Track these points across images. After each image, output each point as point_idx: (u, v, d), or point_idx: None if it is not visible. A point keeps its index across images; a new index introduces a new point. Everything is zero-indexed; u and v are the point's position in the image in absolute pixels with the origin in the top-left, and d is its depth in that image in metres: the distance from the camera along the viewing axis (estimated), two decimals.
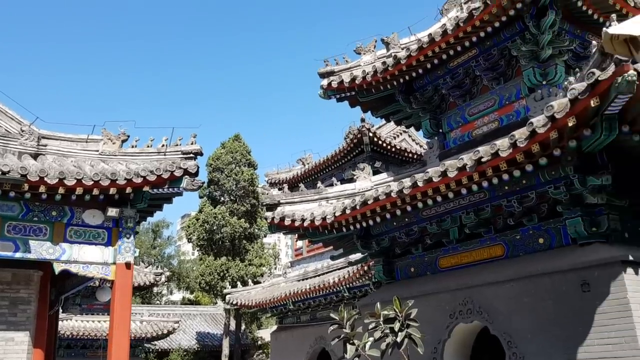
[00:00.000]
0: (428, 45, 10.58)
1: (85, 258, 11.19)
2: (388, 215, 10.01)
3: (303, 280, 25.15)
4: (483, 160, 7.86)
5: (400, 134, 28.19)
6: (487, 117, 10.95)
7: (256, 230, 35.30)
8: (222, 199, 34.25)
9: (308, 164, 28.45)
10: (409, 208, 9.56)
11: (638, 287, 7.46)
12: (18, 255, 10.63)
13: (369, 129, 24.19)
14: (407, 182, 9.01)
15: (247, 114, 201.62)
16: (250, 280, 28.93)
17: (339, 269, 23.03)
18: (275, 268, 40.63)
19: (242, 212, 34.03)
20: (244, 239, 34.37)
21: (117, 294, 11.27)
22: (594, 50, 7.10)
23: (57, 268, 10.99)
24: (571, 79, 7.92)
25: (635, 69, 6.33)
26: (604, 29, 5.81)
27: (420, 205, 9.39)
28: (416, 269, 10.96)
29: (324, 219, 10.66)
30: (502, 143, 7.65)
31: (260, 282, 27.98)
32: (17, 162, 10.66)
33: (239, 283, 28.46)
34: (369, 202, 9.70)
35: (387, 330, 6.34)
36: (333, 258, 13.50)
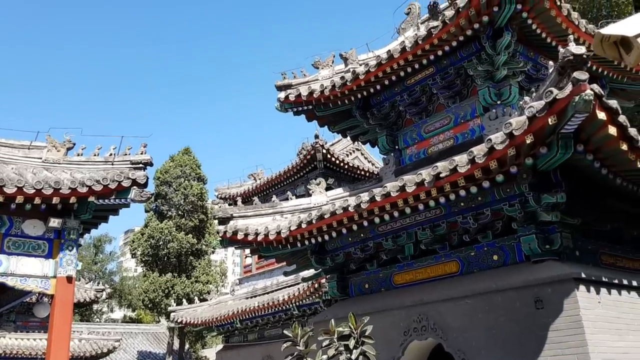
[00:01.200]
0: (387, 62, 10.63)
1: (24, 271, 10.56)
2: (344, 230, 9.89)
3: (252, 297, 24.69)
4: (441, 175, 7.87)
5: (353, 151, 28.37)
6: (443, 134, 11.06)
7: (204, 247, 34.56)
8: (170, 213, 33.37)
9: (260, 179, 28.17)
10: (365, 223, 9.47)
11: (590, 304, 7.59)
12: None
13: (322, 146, 24.19)
14: (364, 196, 8.92)
15: (198, 128, 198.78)
16: (196, 298, 28.16)
17: (288, 287, 22.75)
18: (223, 285, 39.83)
19: (189, 227, 33.24)
20: (191, 255, 33.55)
21: (57, 310, 10.65)
22: (550, 70, 7.27)
23: None
24: (526, 98, 8.08)
25: (592, 89, 6.49)
26: (596, 30, 5.91)
27: (377, 220, 9.32)
28: (371, 285, 10.85)
29: (278, 233, 10.43)
30: (461, 159, 7.69)
31: (206, 300, 27.28)
32: None
33: (184, 300, 27.62)
34: (326, 217, 9.56)
35: (342, 348, 6.21)
36: (286, 274, 13.25)
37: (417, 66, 10.79)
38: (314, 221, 9.79)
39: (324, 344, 6.34)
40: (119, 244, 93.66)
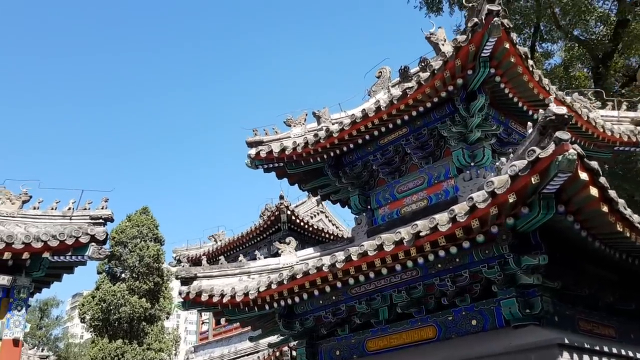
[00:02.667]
0: (361, 120, 10.59)
1: None
2: (316, 292, 9.45)
3: None
4: (421, 234, 7.64)
5: (318, 213, 28.15)
6: (416, 195, 10.95)
7: (158, 312, 33.06)
8: (123, 275, 32.01)
9: (221, 240, 27.48)
10: (339, 284, 9.08)
11: None
12: None
13: (287, 207, 23.91)
14: (340, 255, 8.58)
15: (156, 186, 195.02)
16: None
17: (247, 355, 21.74)
18: (176, 354, 37.92)
19: (144, 290, 31.89)
20: (144, 321, 31.98)
21: None
22: (530, 130, 7.28)
23: None
24: (502, 159, 8.07)
25: (574, 149, 6.47)
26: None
27: (351, 281, 8.95)
28: (342, 352, 10.30)
29: (246, 294, 9.90)
30: (441, 217, 7.50)
31: None
32: None
33: None
34: (298, 277, 9.13)
35: None
36: (252, 339, 12.54)
37: (391, 126, 10.78)
38: (285, 281, 9.34)
39: None
40: (66, 308, 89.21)
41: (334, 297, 9.97)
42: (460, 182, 10.16)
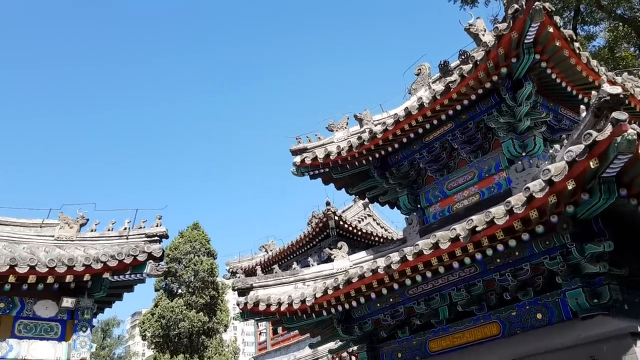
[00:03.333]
0: (404, 119, 10.46)
1: (36, 355, 10.02)
2: (373, 295, 9.35)
3: None
4: (478, 229, 7.46)
5: (365, 217, 28.02)
6: (467, 190, 10.72)
7: (215, 325, 33.50)
8: (180, 291, 32.60)
9: (271, 250, 27.68)
10: (396, 286, 8.95)
11: None
12: None
13: (334, 213, 23.88)
14: (395, 256, 8.47)
15: (205, 202, 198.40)
16: None
17: None
18: None
19: (200, 304, 32.39)
20: (203, 334, 32.46)
21: None
22: (583, 113, 7.01)
23: None
24: (556, 146, 7.82)
25: (633, 128, 6.19)
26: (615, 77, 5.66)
27: (408, 282, 8.80)
28: (404, 354, 10.15)
29: (303, 301, 9.89)
30: (497, 210, 7.30)
31: None
32: None
33: None
34: (354, 280, 9.06)
35: None
36: (312, 346, 12.53)
37: (435, 122, 10.61)
38: (341, 286, 9.28)
39: None
40: (126, 327, 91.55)
41: (391, 300, 9.84)
42: (513, 173, 9.89)
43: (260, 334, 27.14)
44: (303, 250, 25.75)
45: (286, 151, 12.33)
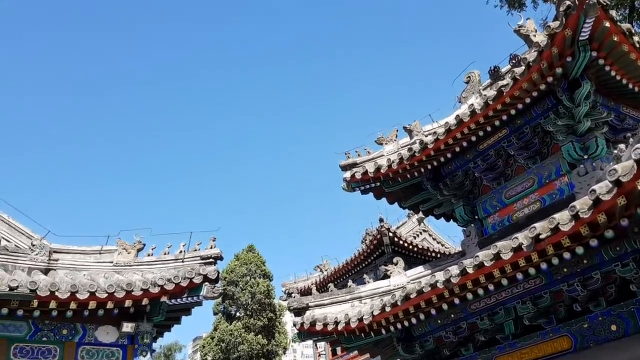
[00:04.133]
0: (456, 127, 10.15)
1: None
2: (433, 311, 9.00)
3: None
4: (541, 237, 7.06)
5: (420, 233, 27.48)
6: (527, 198, 10.26)
7: (274, 347, 33.44)
8: (238, 314, 32.77)
9: (326, 270, 27.48)
10: (456, 301, 8.58)
11: None
12: None
13: (388, 229, 23.51)
14: (454, 270, 8.13)
15: (257, 224, 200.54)
16: None
17: None
18: None
19: (259, 327, 32.43)
20: (262, 357, 32.42)
21: None
22: None
23: None
24: (621, 146, 7.36)
25: None
26: None
27: (469, 296, 8.43)
28: None
29: (360, 319, 9.64)
30: (562, 216, 6.89)
31: None
32: (26, 277, 9.89)
33: None
34: (412, 296, 8.76)
35: None
36: None
37: (489, 129, 10.25)
38: (399, 303, 8.99)
39: None
40: (188, 352, 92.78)
41: (452, 315, 9.46)
42: (575, 177, 9.40)
43: (319, 355, 26.88)
44: (358, 268, 25.42)
45: (336, 168, 12.21)
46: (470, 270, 7.84)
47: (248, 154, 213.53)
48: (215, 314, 33.50)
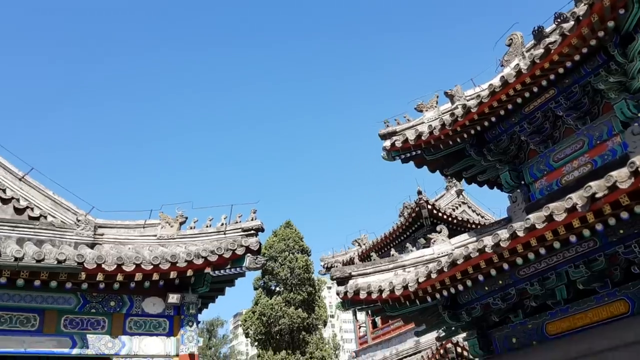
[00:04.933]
0: (501, 89, 9.79)
1: (147, 351, 10.28)
2: (480, 277, 8.78)
3: None
4: (597, 196, 6.74)
5: (459, 205, 27.08)
6: (577, 160, 9.87)
7: (314, 321, 33.70)
8: (277, 289, 33.10)
9: (364, 244, 27.38)
10: (505, 266, 8.33)
11: None
12: (75, 351, 9.80)
13: (427, 201, 23.21)
14: (503, 234, 7.88)
15: (294, 199, 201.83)
16: None
17: (409, 356, 21.27)
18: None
19: (298, 301, 32.70)
20: (303, 331, 32.74)
21: None
22: None
23: None
24: None
25: None
26: None
27: (519, 261, 8.16)
28: (519, 339, 9.51)
29: (405, 287, 9.50)
30: (619, 174, 6.56)
31: None
32: (73, 251, 10.07)
33: None
34: (459, 262, 8.55)
35: None
36: (418, 334, 12.06)
37: (535, 89, 9.84)
38: (445, 269, 8.80)
39: None
40: (229, 328, 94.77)
41: (500, 282, 9.23)
42: (629, 137, 8.97)
43: (359, 328, 26.90)
44: (396, 242, 25.24)
45: (372, 142, 12.00)
46: (520, 234, 7.58)
47: (283, 128, 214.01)
48: (255, 289, 33.93)
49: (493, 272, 8.58)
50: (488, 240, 8.12)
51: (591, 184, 6.82)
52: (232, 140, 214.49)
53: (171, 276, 10.28)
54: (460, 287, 9.19)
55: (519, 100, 10.10)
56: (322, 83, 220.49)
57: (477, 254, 8.25)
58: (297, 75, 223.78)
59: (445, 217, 23.58)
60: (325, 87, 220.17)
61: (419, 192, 23.72)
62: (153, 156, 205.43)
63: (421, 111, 11.99)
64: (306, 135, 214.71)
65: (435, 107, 11.89)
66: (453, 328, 10.88)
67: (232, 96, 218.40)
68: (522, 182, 10.85)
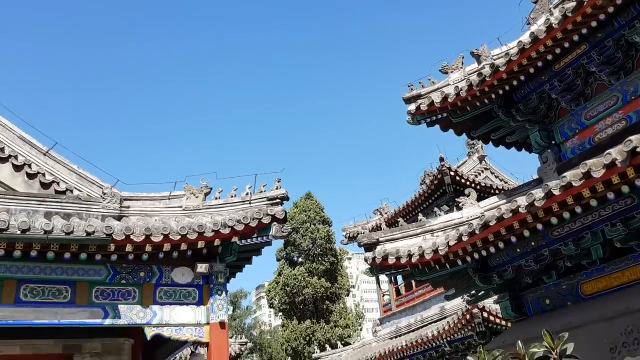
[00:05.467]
0: (531, 46, 9.46)
1: (178, 320, 10.35)
2: (514, 239, 8.62)
3: (396, 337, 23.43)
4: (639, 150, 6.50)
5: (482, 171, 26.75)
6: (610, 118, 9.56)
7: (338, 290, 33.92)
8: (300, 260, 33.31)
9: (386, 213, 27.30)
10: (540, 226, 8.15)
11: None
12: (108, 322, 9.90)
13: (449, 168, 22.95)
14: (537, 193, 7.69)
15: (314, 170, 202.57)
16: (339, 343, 27.31)
17: (434, 322, 21.29)
18: (361, 328, 38.75)
19: (321, 271, 32.92)
20: (327, 300, 33.00)
21: (213, 358, 10.24)
22: None
23: (149, 333, 10.14)
24: None
25: None
26: None
27: (554, 221, 7.98)
28: (553, 300, 9.38)
29: (435, 251, 9.39)
30: None
31: (349, 344, 26.37)
32: (101, 224, 10.10)
33: (327, 346, 26.85)
34: (491, 224, 8.39)
35: None
36: (448, 298, 12.01)
37: (567, 45, 9.49)
38: (477, 231, 8.65)
39: None
40: (252, 300, 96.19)
41: (533, 243, 9.05)
42: None
43: (383, 296, 27.00)
44: (419, 210, 25.08)
45: (392, 111, 11.79)
46: (556, 192, 7.38)
47: (302, 96, 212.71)
48: (278, 260, 34.20)
49: (527, 233, 8.40)
50: (522, 201, 7.93)
51: (632, 138, 6.58)
52: (252, 115, 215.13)
53: (199, 246, 10.29)
54: (492, 250, 9.05)
55: (550, 57, 9.77)
56: (343, 60, 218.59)
57: (511, 214, 8.07)
58: (317, 53, 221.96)
59: (468, 183, 23.30)
60: (346, 63, 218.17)
61: (441, 159, 23.45)
62: (176, 131, 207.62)
63: (446, 73, 11.69)
64: (324, 108, 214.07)
65: (461, 68, 11.58)
66: (483, 292, 10.77)
67: (254, 74, 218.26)
68: (553, 142, 10.58)
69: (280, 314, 33.79)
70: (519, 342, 5.44)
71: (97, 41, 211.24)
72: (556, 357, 5.55)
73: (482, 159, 27.39)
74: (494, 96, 10.70)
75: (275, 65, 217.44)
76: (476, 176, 26.13)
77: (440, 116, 11.40)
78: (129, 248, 9.75)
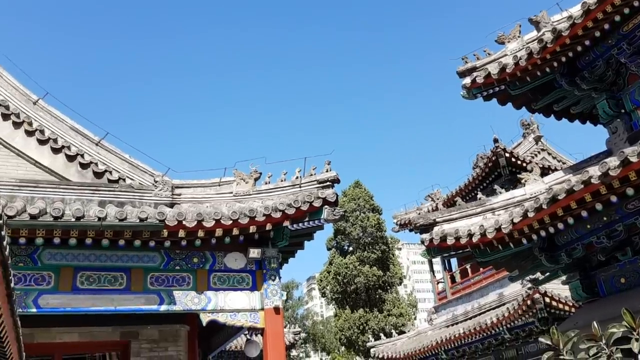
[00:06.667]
0: (597, 6, 8.76)
1: (232, 305, 10.24)
2: (584, 213, 8.01)
3: (452, 325, 22.82)
4: None
5: (539, 152, 25.70)
6: None
7: (390, 278, 33.47)
8: (351, 248, 33.02)
9: (438, 199, 26.58)
10: (614, 198, 7.53)
11: None
12: (163, 308, 9.86)
13: (504, 149, 22.11)
14: (611, 162, 7.08)
15: (362, 157, 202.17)
16: (393, 331, 26.91)
17: (492, 309, 20.60)
18: (415, 317, 38.19)
19: (372, 259, 32.54)
20: (379, 288, 32.62)
21: (269, 343, 10.09)
22: None
23: (204, 319, 10.07)
24: None
25: None
26: None
27: (630, 192, 7.33)
28: (629, 279, 8.72)
29: (498, 229, 8.88)
30: None
31: (404, 332, 25.93)
32: (153, 210, 10.05)
33: (382, 335, 26.49)
34: (560, 197, 7.82)
35: (618, 355, 4.82)
36: (512, 279, 11.45)
37: (636, 3, 8.73)
38: (544, 206, 8.09)
39: (592, 351, 4.95)
40: (303, 291, 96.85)
41: (605, 218, 8.40)
42: None
43: (438, 283, 26.42)
44: (472, 194, 24.30)
45: (443, 92, 11.25)
46: (634, 159, 6.77)
47: (349, 81, 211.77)
48: (329, 249, 34.03)
49: (599, 206, 7.79)
50: (594, 171, 7.34)
51: None
52: (300, 104, 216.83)
53: (250, 231, 10.14)
54: (560, 226, 8.45)
55: (617, 17, 9.02)
56: (390, 32, 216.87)
57: (582, 186, 7.49)
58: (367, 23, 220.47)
59: (524, 164, 22.39)
60: (394, 38, 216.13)
61: (495, 140, 22.61)
62: (224, 118, 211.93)
63: (502, 43, 11.06)
64: (366, 92, 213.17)
65: (519, 37, 10.93)
66: (548, 273, 10.17)
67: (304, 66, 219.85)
68: (622, 111, 9.84)
69: (333, 303, 33.63)
70: (594, 322, 4.98)
71: (146, 33, 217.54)
72: (638, 337, 5.06)
73: (538, 139, 26.31)
74: (555, 64, 10.02)
75: (322, 57, 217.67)
76: (532, 157, 25.14)
77: (497, 89, 10.80)
78: (181, 233, 9.68)
